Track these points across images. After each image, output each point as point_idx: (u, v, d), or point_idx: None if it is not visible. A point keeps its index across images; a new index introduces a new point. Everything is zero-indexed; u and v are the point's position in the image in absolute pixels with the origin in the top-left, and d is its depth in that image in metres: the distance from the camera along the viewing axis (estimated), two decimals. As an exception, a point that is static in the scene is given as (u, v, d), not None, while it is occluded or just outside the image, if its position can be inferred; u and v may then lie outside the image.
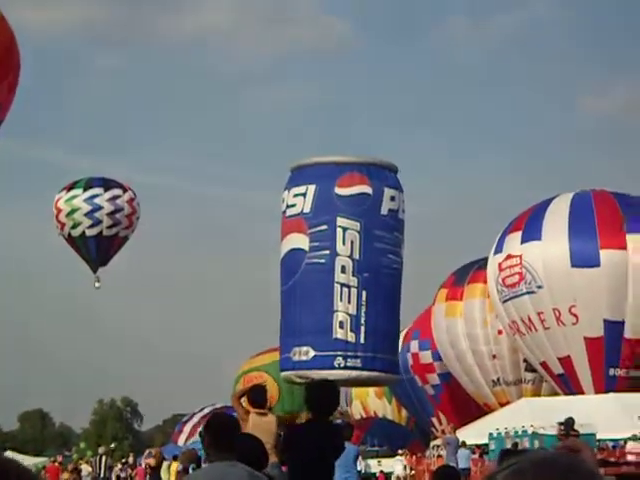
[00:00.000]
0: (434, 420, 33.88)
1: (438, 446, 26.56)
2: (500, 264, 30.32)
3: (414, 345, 34.20)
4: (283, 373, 17.20)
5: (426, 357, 34.24)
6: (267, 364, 29.66)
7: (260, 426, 9.21)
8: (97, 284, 32.68)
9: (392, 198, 17.04)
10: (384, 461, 31.61)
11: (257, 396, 10.15)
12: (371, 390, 39.91)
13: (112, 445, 42.46)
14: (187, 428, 34.83)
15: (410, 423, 38.49)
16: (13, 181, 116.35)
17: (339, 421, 17.70)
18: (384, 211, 16.89)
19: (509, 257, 30.07)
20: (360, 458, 20.65)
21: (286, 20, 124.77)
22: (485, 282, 31.80)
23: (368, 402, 40.84)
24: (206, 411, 35.98)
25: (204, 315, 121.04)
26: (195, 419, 33.33)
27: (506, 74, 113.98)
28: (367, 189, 16.82)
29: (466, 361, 32.41)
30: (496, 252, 30.81)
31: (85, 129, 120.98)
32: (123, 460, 38.35)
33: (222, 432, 5.45)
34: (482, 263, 32.85)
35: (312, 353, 16.53)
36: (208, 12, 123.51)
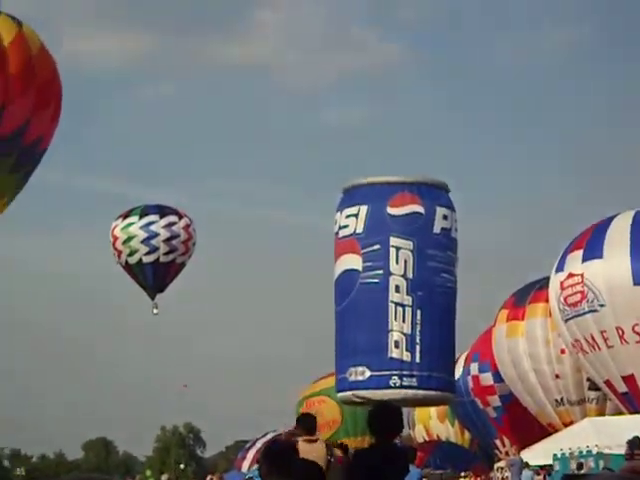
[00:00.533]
0: (497, 442, 33.63)
1: (502, 468, 26.40)
2: (562, 283, 30.16)
3: (474, 367, 34.00)
4: (340, 394, 17.23)
5: (486, 379, 34.01)
6: (329, 388, 29.70)
7: (309, 453, 9.27)
8: (155, 310, 33.06)
9: (444, 217, 17.04)
10: None
11: (306, 423, 10.24)
12: (433, 413, 39.76)
13: (181, 466, 42.72)
14: (250, 454, 34.81)
15: (473, 445, 38.24)
16: (74, 211, 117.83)
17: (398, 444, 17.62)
18: (437, 230, 16.90)
19: (570, 276, 29.90)
20: None
21: (336, 46, 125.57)
22: (547, 301, 31.63)
23: (431, 425, 40.67)
24: (269, 437, 36.00)
25: (266, 339, 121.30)
26: (258, 445, 33.33)
27: (568, 87, 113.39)
28: (419, 208, 16.85)
29: (529, 381, 32.11)
30: (557, 271, 30.68)
31: (140, 158, 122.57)
32: None
33: (279, 458, 5.48)
34: (543, 282, 32.71)
35: (368, 373, 16.54)
36: (258, 39, 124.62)
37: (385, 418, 7.36)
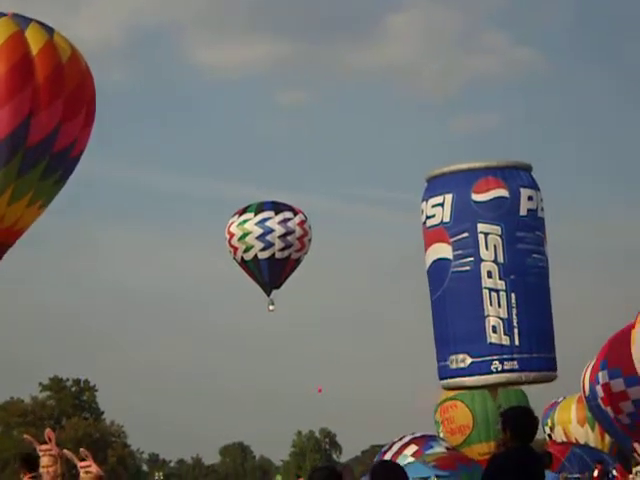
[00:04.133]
0: (636, 445, 32.80)
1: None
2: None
3: (603, 376, 32.87)
4: (442, 381, 17.49)
5: (618, 385, 32.75)
6: (462, 392, 29.65)
7: None
8: (271, 307, 33.11)
9: (529, 198, 17.10)
10: None
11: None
12: (574, 417, 39.39)
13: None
14: (387, 458, 34.68)
15: (614, 450, 37.62)
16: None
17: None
18: (523, 212, 16.97)
19: None
20: None
21: (471, 50, 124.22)
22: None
23: (570, 429, 40.20)
24: (406, 440, 36.16)
25: (395, 341, 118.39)
26: (395, 448, 33.13)
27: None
28: (503, 192, 16.93)
29: None
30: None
31: (272, 164, 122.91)
32: None
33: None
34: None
35: (469, 360, 16.77)
36: (392, 46, 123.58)
37: (520, 420, 7.41)
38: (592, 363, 32.48)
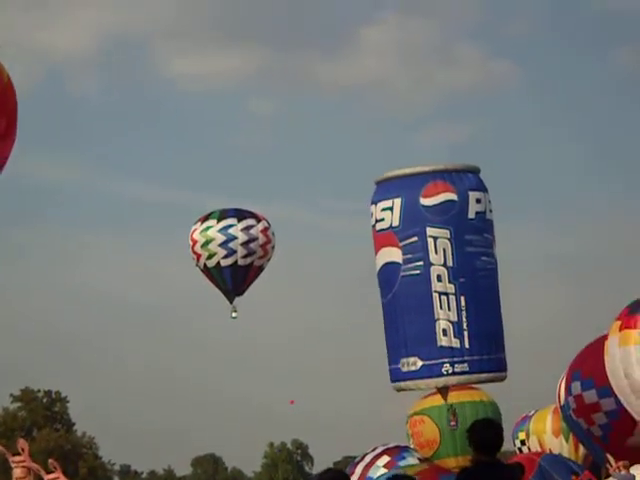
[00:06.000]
0: (609, 457, 32.79)
1: None
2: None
3: (575, 387, 32.52)
4: (394, 384, 17.64)
5: (590, 396, 32.48)
6: (430, 407, 29.69)
7: None
8: (234, 314, 33.08)
9: (478, 200, 17.25)
10: None
11: None
12: (548, 428, 39.52)
13: None
14: (358, 469, 34.50)
15: (587, 461, 37.69)
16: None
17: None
18: (471, 215, 17.12)
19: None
20: None
21: (444, 63, 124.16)
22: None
23: (545, 439, 40.36)
24: (378, 451, 36.24)
25: (370, 346, 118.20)
26: (367, 459, 33.13)
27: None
28: (452, 196, 17.06)
29: None
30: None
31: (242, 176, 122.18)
32: None
33: None
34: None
35: (420, 363, 16.93)
36: (365, 58, 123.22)
37: (485, 433, 7.42)
38: (565, 372, 32.48)
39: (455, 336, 16.78)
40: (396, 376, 17.45)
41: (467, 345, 16.78)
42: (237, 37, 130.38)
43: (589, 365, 32.88)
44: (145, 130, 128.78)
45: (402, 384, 17.34)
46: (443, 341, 16.81)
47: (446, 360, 16.79)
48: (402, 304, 17.09)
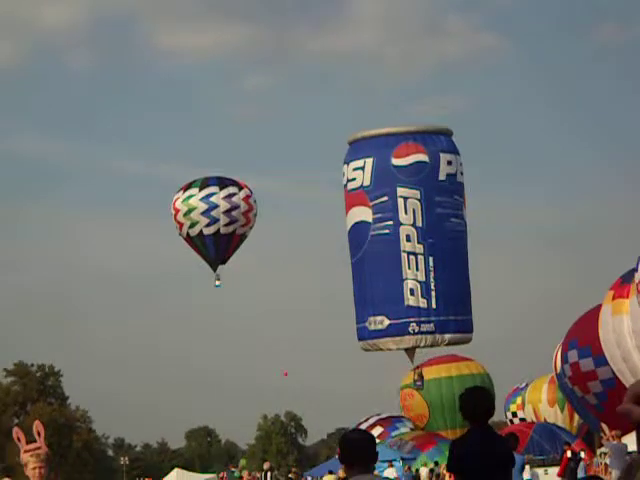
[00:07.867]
0: (604, 426, 32.88)
1: (605, 453, 25.75)
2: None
3: (572, 355, 32.44)
4: (360, 342, 17.78)
5: (587, 364, 32.41)
6: None
7: None
8: (217, 282, 32.80)
9: (449, 162, 17.36)
10: (551, 470, 30.51)
11: None
12: (544, 397, 39.79)
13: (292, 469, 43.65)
14: None
15: (582, 431, 37.79)
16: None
17: None
18: (442, 177, 17.25)
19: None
20: (527, 467, 20.83)
21: (432, 35, 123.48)
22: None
23: (540, 408, 40.54)
24: (371, 421, 36.42)
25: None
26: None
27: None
28: (423, 157, 17.16)
29: (632, 360, 30.36)
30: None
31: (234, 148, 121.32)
32: (290, 475, 38.91)
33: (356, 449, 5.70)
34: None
35: (387, 322, 17.09)
36: (355, 30, 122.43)
37: (476, 401, 7.46)
38: (562, 341, 32.46)
39: (422, 296, 16.94)
40: (362, 335, 17.60)
41: (434, 305, 16.94)
42: (228, 12, 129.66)
43: (586, 333, 33.03)
44: (139, 105, 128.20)
45: (369, 343, 17.48)
46: (410, 300, 16.96)
47: (413, 320, 16.96)
48: (371, 263, 17.22)
